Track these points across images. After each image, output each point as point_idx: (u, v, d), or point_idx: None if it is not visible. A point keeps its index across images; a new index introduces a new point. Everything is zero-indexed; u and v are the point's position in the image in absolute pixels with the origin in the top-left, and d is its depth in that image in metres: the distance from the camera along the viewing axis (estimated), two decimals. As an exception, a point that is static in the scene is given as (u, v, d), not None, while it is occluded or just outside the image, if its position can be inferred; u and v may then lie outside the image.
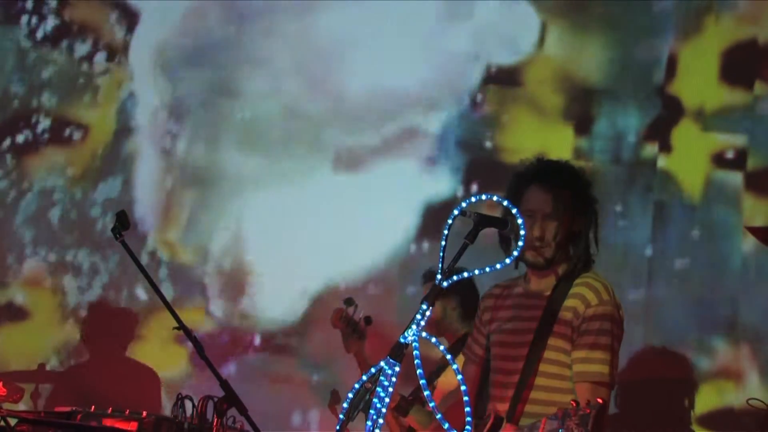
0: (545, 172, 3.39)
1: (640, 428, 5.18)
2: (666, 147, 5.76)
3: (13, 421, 3.98)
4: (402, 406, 4.26)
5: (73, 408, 4.07)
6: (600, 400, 2.67)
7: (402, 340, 2.92)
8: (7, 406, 4.10)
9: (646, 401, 5.29)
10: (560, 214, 3.31)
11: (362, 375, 4.39)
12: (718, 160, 5.66)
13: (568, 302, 3.26)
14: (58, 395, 5.75)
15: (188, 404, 4.02)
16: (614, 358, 3.23)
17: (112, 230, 3.82)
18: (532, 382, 3.22)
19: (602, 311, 3.24)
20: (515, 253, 3.09)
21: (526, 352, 3.25)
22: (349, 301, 4.61)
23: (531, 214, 3.32)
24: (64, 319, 6.19)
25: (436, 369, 4.48)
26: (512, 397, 3.21)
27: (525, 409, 3.20)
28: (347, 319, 4.56)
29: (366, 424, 2.90)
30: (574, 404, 2.69)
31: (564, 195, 3.33)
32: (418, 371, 2.87)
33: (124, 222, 3.81)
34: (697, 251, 5.61)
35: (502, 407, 3.23)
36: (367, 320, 4.60)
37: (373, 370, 2.95)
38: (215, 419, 3.62)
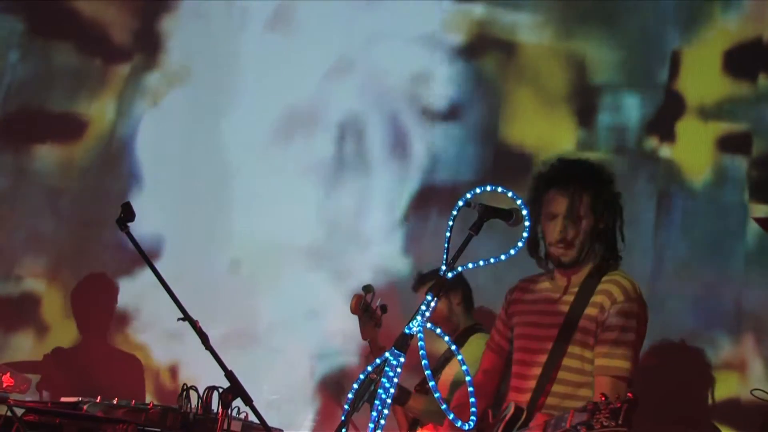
0: (564, 175, 3.42)
1: (655, 421, 5.17)
2: (669, 138, 5.76)
3: (19, 411, 4.00)
4: (398, 397, 4.26)
5: (80, 398, 4.08)
6: (631, 395, 2.67)
7: (407, 331, 2.93)
8: (14, 396, 4.11)
9: (661, 394, 5.28)
10: (581, 216, 3.34)
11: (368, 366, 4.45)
12: (723, 147, 5.66)
13: (595, 299, 3.29)
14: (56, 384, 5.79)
15: (193, 395, 4.03)
16: (635, 355, 3.25)
17: (117, 221, 3.82)
18: (555, 376, 3.24)
19: (628, 308, 3.26)
20: (519, 244, 3.10)
21: (549, 347, 3.26)
22: (367, 288, 4.63)
23: (552, 217, 3.35)
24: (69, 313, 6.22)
25: (441, 361, 4.49)
26: (534, 389, 3.23)
27: (546, 402, 3.22)
28: (365, 306, 4.58)
29: (371, 415, 2.91)
30: (603, 398, 2.69)
31: (584, 196, 3.36)
32: (423, 362, 2.88)
33: (129, 213, 3.82)
34: (700, 241, 5.61)
35: (523, 398, 3.24)
36: (383, 308, 4.63)
37: (378, 361, 2.95)
38: (220, 410, 3.62)
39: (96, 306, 6.12)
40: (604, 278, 3.33)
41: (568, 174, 3.41)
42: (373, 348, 4.56)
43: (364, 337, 4.61)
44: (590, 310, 3.26)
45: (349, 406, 2.95)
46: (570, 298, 3.32)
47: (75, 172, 6.37)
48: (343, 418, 2.94)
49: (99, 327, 6.07)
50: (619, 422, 2.63)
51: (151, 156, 6.35)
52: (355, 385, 2.96)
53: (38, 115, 6.45)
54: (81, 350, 6.00)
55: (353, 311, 4.61)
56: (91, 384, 5.63)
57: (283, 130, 6.27)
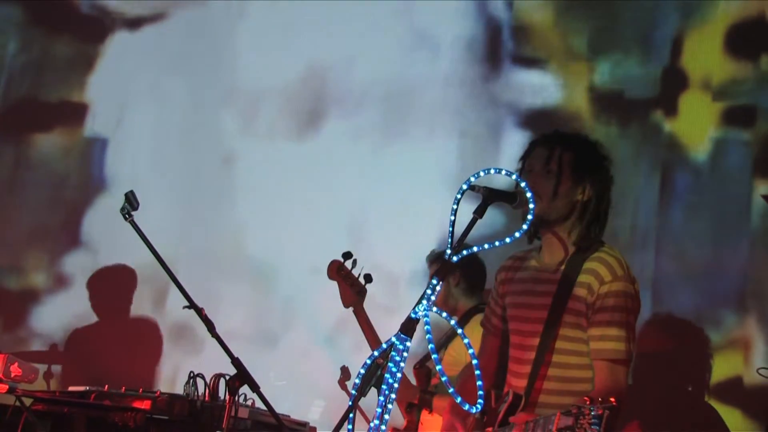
0: (552, 134, 3.38)
1: (654, 400, 5.18)
2: (673, 112, 5.76)
3: (28, 401, 4.02)
4: (426, 399, 4.24)
5: (87, 387, 4.10)
6: (613, 400, 2.66)
7: (413, 316, 2.93)
8: (22, 386, 4.13)
9: (658, 373, 5.29)
10: (557, 172, 3.28)
11: (370, 344, 4.45)
12: (726, 122, 5.65)
13: (582, 278, 3.25)
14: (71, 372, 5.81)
15: (200, 382, 4.05)
16: (630, 333, 3.22)
17: (121, 210, 3.82)
18: (549, 359, 3.22)
19: (617, 287, 3.23)
20: (524, 227, 3.08)
21: (541, 329, 3.24)
22: (347, 255, 4.60)
23: (530, 170, 3.32)
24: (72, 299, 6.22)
25: (442, 341, 4.48)
26: (529, 374, 3.21)
27: (543, 386, 3.21)
28: (344, 272, 4.56)
29: (378, 400, 2.91)
30: (588, 401, 2.68)
31: (565, 155, 3.30)
32: (430, 346, 2.88)
33: (132, 202, 3.82)
34: (704, 218, 5.61)
35: (520, 383, 3.24)
36: (367, 278, 4.59)
37: (384, 345, 2.95)
38: (227, 397, 3.64)
39: (114, 292, 6.11)
40: (590, 255, 3.28)
41: (556, 134, 3.37)
42: (358, 319, 4.53)
43: (345, 305, 4.59)
44: (579, 291, 3.23)
45: (356, 392, 2.95)
46: (556, 276, 3.29)
47: (76, 160, 6.37)
48: (350, 403, 2.94)
49: (117, 311, 6.07)
50: (601, 430, 2.63)
51: (151, 146, 6.35)
52: (362, 371, 2.96)
53: (38, 104, 6.45)
54: (98, 331, 6.01)
55: (330, 277, 4.59)
56: (110, 365, 5.65)
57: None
